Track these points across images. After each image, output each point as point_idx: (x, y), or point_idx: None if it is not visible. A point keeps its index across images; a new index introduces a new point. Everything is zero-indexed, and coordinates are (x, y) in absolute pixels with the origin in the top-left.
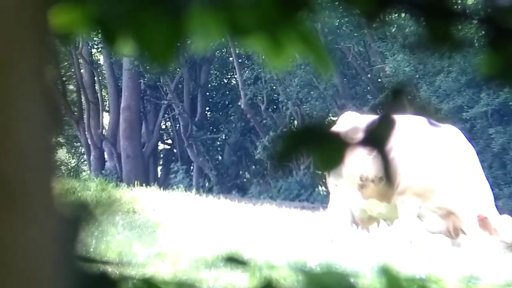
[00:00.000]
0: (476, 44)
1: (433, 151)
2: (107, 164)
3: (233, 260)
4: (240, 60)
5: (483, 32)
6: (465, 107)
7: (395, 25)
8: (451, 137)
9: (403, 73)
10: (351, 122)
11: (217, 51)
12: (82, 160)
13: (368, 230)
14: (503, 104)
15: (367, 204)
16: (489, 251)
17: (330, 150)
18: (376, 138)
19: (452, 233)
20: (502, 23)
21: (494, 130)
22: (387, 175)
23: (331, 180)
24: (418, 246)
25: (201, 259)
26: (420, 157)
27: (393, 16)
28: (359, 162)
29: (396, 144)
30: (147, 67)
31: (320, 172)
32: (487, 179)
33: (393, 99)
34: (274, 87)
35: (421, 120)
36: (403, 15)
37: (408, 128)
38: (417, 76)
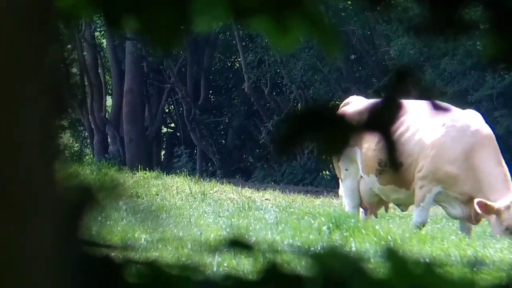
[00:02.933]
0: (482, 27)
1: (456, 136)
2: (110, 148)
3: (237, 244)
4: (243, 43)
5: (488, 15)
6: (470, 90)
7: (400, 7)
8: (473, 122)
9: (408, 56)
10: (357, 105)
11: (221, 34)
12: (85, 144)
13: (376, 214)
14: (509, 87)
15: (384, 190)
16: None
17: (335, 134)
18: (380, 121)
19: (473, 219)
20: (507, 6)
21: (499, 113)
22: (392, 159)
23: (342, 164)
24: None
25: (205, 243)
26: (444, 143)
27: None
28: (378, 147)
29: (419, 129)
30: (150, 50)
31: (329, 156)
32: (506, 163)
33: (397, 82)
34: (278, 71)
35: (444, 106)
36: None
37: (431, 114)
38: (422, 59)
